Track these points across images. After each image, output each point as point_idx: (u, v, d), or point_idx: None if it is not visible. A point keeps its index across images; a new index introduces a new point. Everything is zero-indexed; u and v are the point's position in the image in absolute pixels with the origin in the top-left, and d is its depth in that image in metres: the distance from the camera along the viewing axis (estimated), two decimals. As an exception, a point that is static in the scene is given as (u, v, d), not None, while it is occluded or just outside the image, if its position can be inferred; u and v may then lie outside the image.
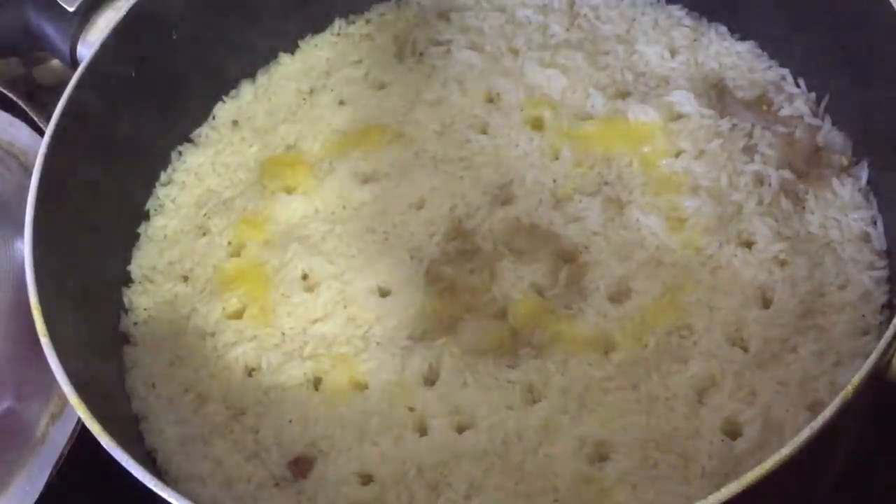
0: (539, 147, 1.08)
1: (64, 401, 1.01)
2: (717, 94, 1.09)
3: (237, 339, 1.02)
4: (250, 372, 1.01)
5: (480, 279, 1.01)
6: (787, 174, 1.03)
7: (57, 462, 1.00)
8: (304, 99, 1.19)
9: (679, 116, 1.08)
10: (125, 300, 1.08)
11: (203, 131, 1.19)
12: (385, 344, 0.99)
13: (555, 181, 1.06)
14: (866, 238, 0.99)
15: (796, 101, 1.09)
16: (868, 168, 1.03)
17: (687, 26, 1.16)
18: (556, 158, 1.08)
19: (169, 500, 0.81)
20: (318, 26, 1.25)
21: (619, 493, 0.88)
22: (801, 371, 0.92)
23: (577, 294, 0.99)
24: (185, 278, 1.08)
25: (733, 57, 1.13)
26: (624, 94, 1.11)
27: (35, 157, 1.00)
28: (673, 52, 1.14)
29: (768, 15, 1.11)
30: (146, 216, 1.14)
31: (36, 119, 1.19)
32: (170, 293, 1.07)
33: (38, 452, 1.01)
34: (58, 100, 1.03)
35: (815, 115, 1.08)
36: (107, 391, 0.99)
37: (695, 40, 1.15)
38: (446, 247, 1.04)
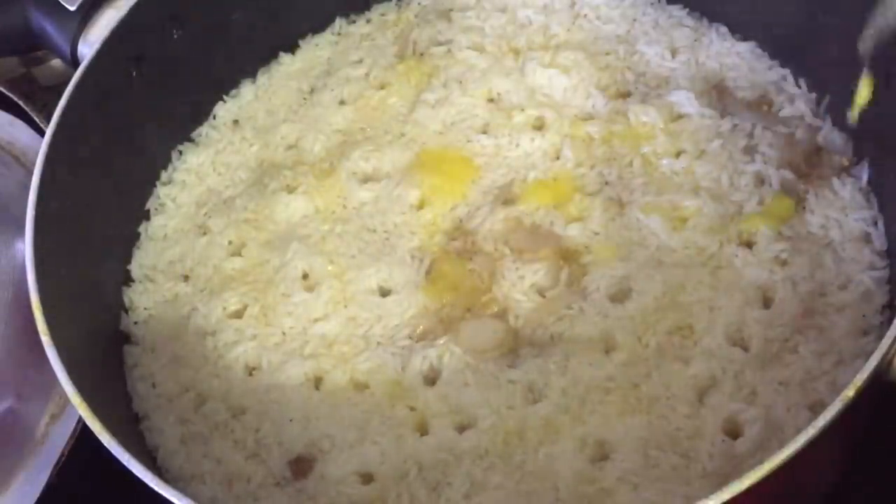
0: (540, 147, 1.08)
1: (64, 401, 1.01)
2: (718, 94, 1.09)
3: (237, 338, 1.02)
4: (250, 371, 1.01)
5: (481, 279, 1.01)
6: (787, 174, 1.03)
7: (57, 462, 1.00)
8: (304, 99, 1.19)
9: (680, 116, 1.08)
10: (125, 300, 1.08)
11: (203, 131, 1.19)
12: (385, 344, 0.99)
13: (555, 181, 1.06)
14: (867, 238, 0.99)
15: (796, 101, 1.09)
16: (868, 168, 1.03)
17: (688, 26, 1.16)
18: (557, 158, 1.08)
19: (169, 498, 0.81)
20: (319, 26, 1.25)
21: (619, 493, 0.88)
22: (802, 371, 0.92)
23: (578, 294, 0.99)
24: (186, 278, 1.08)
25: (734, 57, 1.13)
26: (624, 95, 1.11)
27: (35, 157, 1.00)
28: (673, 53, 1.14)
29: (769, 15, 1.11)
30: (146, 216, 1.14)
31: (36, 119, 1.19)
32: (170, 293, 1.07)
33: (38, 452, 1.01)
34: (58, 100, 1.03)
35: (815, 115, 1.08)
36: (107, 391, 0.99)
37: (695, 40, 1.15)
38: (447, 247, 1.04)
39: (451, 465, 0.92)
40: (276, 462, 0.95)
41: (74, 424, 1.02)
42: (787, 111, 1.08)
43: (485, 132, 1.11)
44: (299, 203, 1.10)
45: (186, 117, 1.19)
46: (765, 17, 1.11)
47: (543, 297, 0.99)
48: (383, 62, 1.19)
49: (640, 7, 1.18)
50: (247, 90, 1.21)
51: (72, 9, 1.13)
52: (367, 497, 0.92)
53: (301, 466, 0.94)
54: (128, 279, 1.10)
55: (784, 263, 0.97)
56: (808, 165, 1.04)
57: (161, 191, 1.15)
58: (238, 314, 1.04)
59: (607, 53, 1.14)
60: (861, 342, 0.92)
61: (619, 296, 0.99)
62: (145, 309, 1.07)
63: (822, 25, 1.05)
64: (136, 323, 1.06)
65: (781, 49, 1.12)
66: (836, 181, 1.02)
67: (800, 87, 1.10)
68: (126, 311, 1.07)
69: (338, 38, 1.24)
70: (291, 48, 1.24)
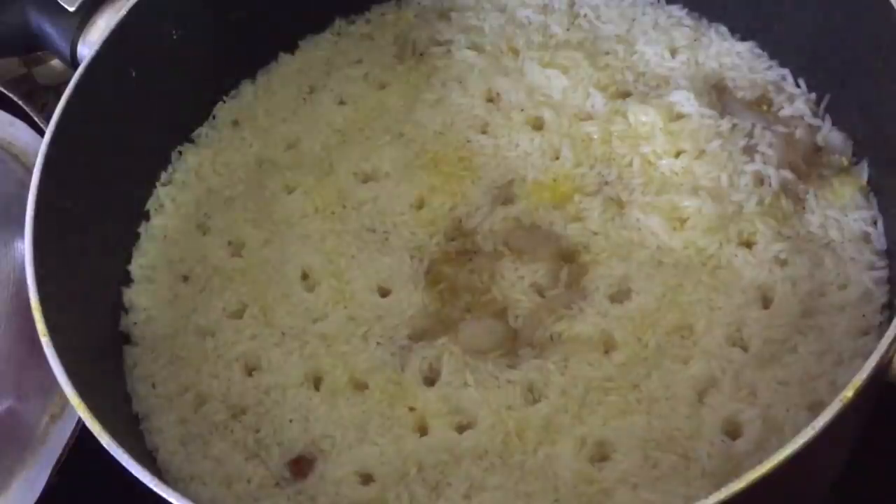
0: (539, 147, 1.08)
1: (64, 401, 1.01)
2: (718, 94, 1.09)
3: (237, 338, 1.02)
4: (250, 372, 1.01)
5: (480, 279, 1.01)
6: (787, 174, 1.03)
7: (57, 462, 1.01)
8: (304, 99, 1.19)
9: (679, 116, 1.08)
10: (125, 300, 1.08)
11: (203, 131, 1.19)
12: (385, 344, 0.99)
13: (555, 181, 1.06)
14: (866, 238, 0.99)
15: (796, 101, 1.09)
16: (868, 168, 1.03)
17: (687, 26, 1.16)
18: (557, 158, 1.08)
19: (169, 499, 0.81)
20: (318, 26, 1.25)
21: (619, 493, 0.88)
22: (801, 371, 0.92)
23: (578, 294, 0.99)
24: (185, 278, 1.08)
25: (733, 57, 1.13)
26: (624, 94, 1.11)
27: (35, 157, 1.00)
28: (673, 52, 1.14)
29: (768, 15, 1.11)
30: (146, 216, 1.13)
31: (36, 119, 1.19)
32: (170, 293, 1.07)
33: (38, 452, 1.01)
34: (58, 100, 1.03)
35: (815, 115, 1.08)
36: (107, 391, 0.99)
37: (695, 40, 1.15)
38: (446, 247, 1.04)
39: (451, 465, 0.92)
40: (275, 462, 0.95)
41: (74, 424, 1.02)
42: (786, 111, 1.08)
43: (484, 132, 1.11)
44: (299, 203, 1.10)
45: (186, 117, 1.19)
46: (764, 17, 1.11)
47: (543, 297, 0.99)
48: (383, 62, 1.19)
49: (640, 7, 1.18)
50: (246, 90, 1.21)
51: (71, 9, 1.13)
52: (366, 497, 0.92)
53: (301, 467, 0.94)
54: (128, 279, 1.09)
55: (783, 263, 0.97)
56: (807, 165, 1.04)
57: (161, 191, 1.15)
58: (238, 314, 1.04)
59: (606, 53, 1.14)
60: (860, 342, 0.92)
61: (619, 296, 0.99)
62: (145, 309, 1.07)
63: (821, 25, 1.05)
64: (136, 323, 1.06)
65: (781, 49, 1.12)
66: (835, 181, 1.02)
67: (799, 86, 1.10)
68: (126, 311, 1.07)
69: (337, 38, 1.24)
70: (291, 48, 1.24)
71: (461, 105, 1.13)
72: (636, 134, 1.07)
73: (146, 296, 1.08)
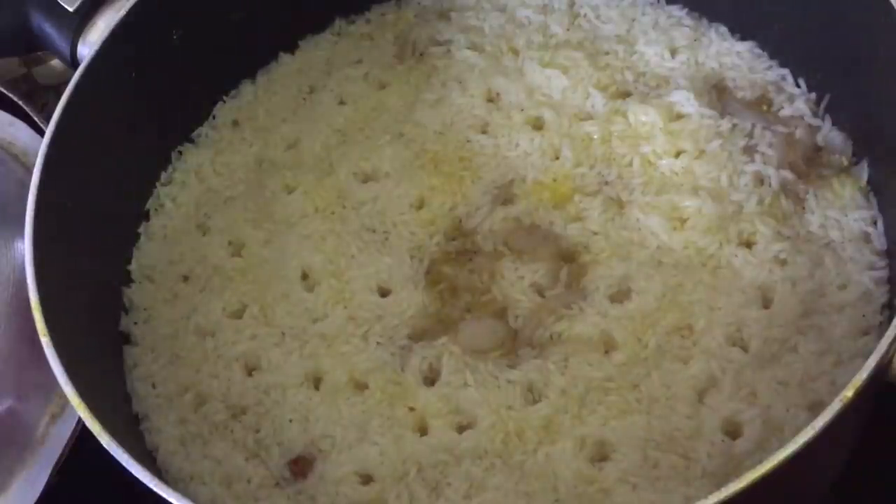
0: (539, 147, 1.08)
1: (64, 401, 1.01)
2: (718, 94, 1.09)
3: (237, 338, 1.02)
4: (250, 372, 1.01)
5: (480, 279, 1.01)
6: (787, 174, 1.03)
7: (57, 462, 1.01)
8: (304, 99, 1.19)
9: (679, 116, 1.08)
10: (125, 300, 1.08)
11: (203, 131, 1.19)
12: (385, 344, 0.99)
13: (555, 181, 1.06)
14: (866, 238, 0.99)
15: (796, 101, 1.09)
16: (868, 168, 1.03)
17: (687, 26, 1.16)
18: (557, 158, 1.08)
19: (169, 499, 0.81)
20: (318, 26, 1.25)
21: (619, 493, 0.88)
22: (801, 371, 0.92)
23: (578, 294, 0.99)
24: (185, 278, 1.08)
25: (733, 57, 1.13)
26: (624, 94, 1.11)
27: (35, 157, 1.00)
28: (673, 52, 1.14)
29: (768, 15, 1.11)
30: (146, 216, 1.14)
31: (36, 119, 1.19)
32: (170, 293, 1.07)
33: (38, 452, 1.01)
34: (58, 100, 1.03)
35: (815, 115, 1.08)
36: (107, 391, 0.99)
37: (695, 40, 1.15)
38: (446, 246, 1.04)
39: (451, 465, 0.92)
40: (275, 462, 0.95)
41: (74, 424, 1.02)
42: (786, 111, 1.08)
43: (484, 132, 1.11)
44: (299, 203, 1.10)
45: (186, 117, 1.19)
46: (765, 17, 1.11)
47: (543, 296, 0.99)
48: (383, 62, 1.19)
49: (640, 7, 1.18)
50: (247, 90, 1.21)
51: (71, 9, 1.13)
52: (366, 497, 0.92)
53: (301, 467, 0.94)
54: (127, 280, 1.10)
55: (783, 263, 0.97)
56: (807, 165, 1.04)
57: (161, 191, 1.15)
58: (238, 314, 1.04)
59: (606, 53, 1.14)
60: (860, 342, 0.93)
61: (619, 296, 0.99)
62: (145, 309, 1.07)
63: (821, 25, 1.05)
64: (136, 323, 1.06)
65: (781, 49, 1.12)
66: (835, 181, 1.02)
67: (799, 86, 1.10)
68: (126, 311, 1.07)
69: (337, 38, 1.24)
70: (291, 48, 1.24)
71: (461, 105, 1.13)
72: (636, 134, 1.07)
73: (146, 296, 1.08)
